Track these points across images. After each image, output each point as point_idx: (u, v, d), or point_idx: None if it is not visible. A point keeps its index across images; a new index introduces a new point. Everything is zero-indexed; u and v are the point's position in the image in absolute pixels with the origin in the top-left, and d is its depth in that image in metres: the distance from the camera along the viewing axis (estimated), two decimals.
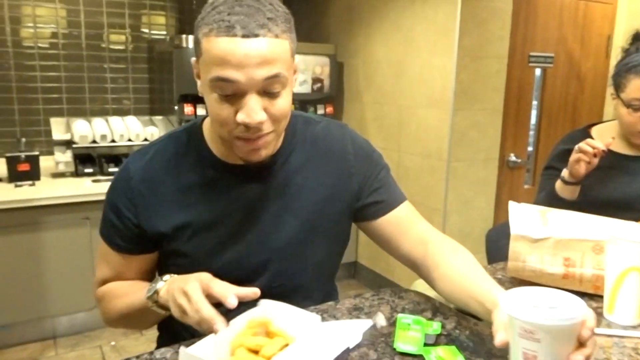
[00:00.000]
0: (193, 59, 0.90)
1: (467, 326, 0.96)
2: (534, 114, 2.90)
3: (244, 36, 0.78)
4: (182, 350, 0.72)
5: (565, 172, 1.52)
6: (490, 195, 2.77)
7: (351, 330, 0.89)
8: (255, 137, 0.86)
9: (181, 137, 1.00)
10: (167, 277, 0.87)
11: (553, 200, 1.52)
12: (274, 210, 0.99)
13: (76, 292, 2.52)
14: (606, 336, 0.95)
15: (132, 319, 0.98)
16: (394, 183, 1.13)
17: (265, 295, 1.00)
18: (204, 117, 1.01)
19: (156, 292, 0.85)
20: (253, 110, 0.82)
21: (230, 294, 0.76)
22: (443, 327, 0.95)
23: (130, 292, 0.95)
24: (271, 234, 0.99)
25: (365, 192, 1.07)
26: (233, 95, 0.82)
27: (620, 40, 3.00)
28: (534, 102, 2.88)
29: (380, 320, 0.84)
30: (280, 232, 1.00)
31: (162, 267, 1.04)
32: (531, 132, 2.92)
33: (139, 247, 0.98)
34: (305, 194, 1.01)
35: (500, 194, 2.80)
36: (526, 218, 1.17)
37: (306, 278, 1.05)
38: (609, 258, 1.00)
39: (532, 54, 2.74)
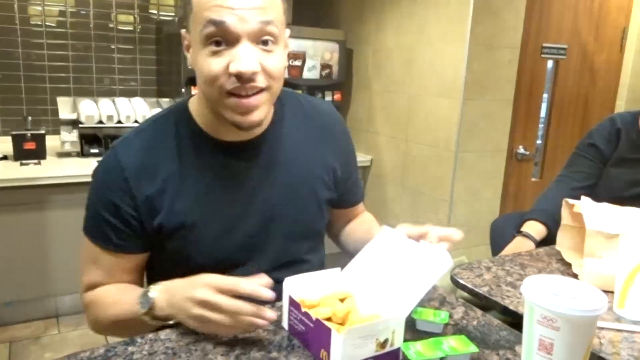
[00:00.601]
0: (183, 31, 0.88)
1: (474, 316, 0.95)
2: (544, 106, 2.86)
3: None
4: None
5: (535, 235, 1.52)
6: (498, 187, 2.74)
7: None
8: (249, 93, 0.83)
9: (167, 121, 0.94)
10: (158, 286, 0.83)
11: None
12: (272, 185, 0.97)
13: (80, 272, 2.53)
14: (616, 331, 0.94)
15: (125, 329, 0.91)
16: (358, 176, 1.21)
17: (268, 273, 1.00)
18: (188, 99, 0.98)
19: (151, 306, 0.82)
20: (246, 58, 0.80)
21: (262, 287, 0.76)
22: (450, 316, 0.94)
23: (121, 301, 0.89)
24: (271, 209, 0.98)
25: (340, 181, 1.09)
26: (225, 45, 0.80)
27: (636, 33, 2.95)
28: (545, 95, 2.84)
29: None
30: (280, 206, 0.98)
31: (158, 262, 0.99)
32: (540, 125, 2.89)
33: (137, 243, 0.93)
34: (299, 166, 1.01)
35: (507, 186, 2.78)
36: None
37: (305, 249, 1.05)
38: (622, 252, 0.98)
39: (545, 45, 2.70)
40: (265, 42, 0.82)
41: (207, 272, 0.96)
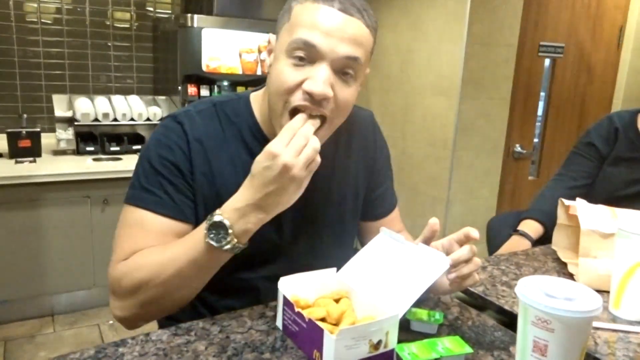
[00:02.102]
0: (270, 36, 0.89)
1: (469, 317, 0.95)
2: (541, 105, 2.86)
3: (340, 10, 0.80)
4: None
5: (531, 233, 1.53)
6: (494, 186, 2.74)
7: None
8: (313, 114, 0.84)
9: (226, 108, 0.96)
10: (217, 216, 0.79)
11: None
12: (319, 192, 0.99)
13: (75, 270, 2.52)
14: (611, 331, 0.93)
15: (179, 284, 0.82)
16: (392, 185, 1.18)
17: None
18: (250, 93, 0.99)
19: (233, 237, 0.78)
20: (323, 80, 0.81)
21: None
22: (445, 317, 0.94)
23: (174, 250, 0.82)
24: (303, 210, 0.98)
25: (371, 192, 1.09)
26: (307, 62, 0.82)
27: (633, 31, 2.95)
28: (542, 94, 2.84)
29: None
30: (311, 209, 1.00)
31: None
32: (537, 124, 2.89)
33: (190, 209, 0.90)
34: (345, 176, 1.04)
35: (504, 185, 2.78)
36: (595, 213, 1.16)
37: (331, 254, 1.04)
38: (618, 252, 0.98)
39: (542, 43, 2.69)
40: (344, 73, 0.84)
41: (235, 265, 0.94)
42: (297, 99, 0.83)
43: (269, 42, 0.90)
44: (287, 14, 0.85)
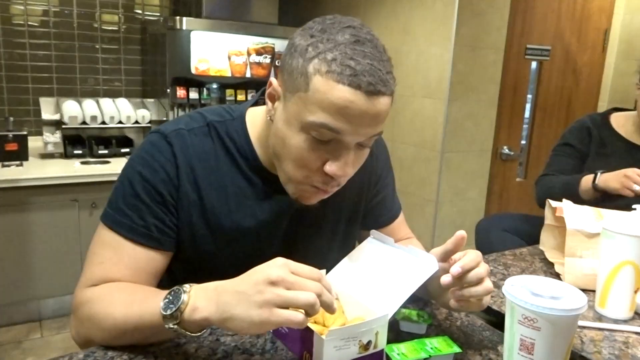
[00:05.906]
0: (275, 81, 0.81)
1: (458, 317, 0.96)
2: (528, 107, 2.89)
3: (367, 93, 0.72)
4: None
5: (601, 180, 1.54)
6: (483, 187, 2.76)
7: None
8: (330, 188, 0.82)
9: (220, 129, 0.89)
10: (186, 287, 0.70)
11: (570, 193, 1.56)
12: (312, 221, 0.96)
13: (63, 275, 2.50)
14: (597, 330, 0.95)
15: (128, 336, 0.76)
16: (395, 192, 1.13)
17: None
18: (245, 110, 0.92)
19: (179, 309, 0.67)
20: (347, 165, 0.78)
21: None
22: (434, 317, 0.94)
23: (136, 299, 0.75)
24: (306, 246, 0.97)
25: (370, 200, 1.06)
26: (328, 142, 0.76)
27: (617, 34, 3.00)
28: (529, 96, 2.87)
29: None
30: (314, 243, 0.98)
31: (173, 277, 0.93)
32: (524, 126, 2.92)
33: (171, 239, 0.86)
34: (339, 203, 0.98)
35: (492, 186, 2.80)
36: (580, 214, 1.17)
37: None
38: (603, 251, 0.99)
39: (529, 46, 2.72)
40: (363, 145, 0.80)
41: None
42: (318, 181, 0.80)
43: (269, 84, 0.82)
44: (302, 78, 0.73)
